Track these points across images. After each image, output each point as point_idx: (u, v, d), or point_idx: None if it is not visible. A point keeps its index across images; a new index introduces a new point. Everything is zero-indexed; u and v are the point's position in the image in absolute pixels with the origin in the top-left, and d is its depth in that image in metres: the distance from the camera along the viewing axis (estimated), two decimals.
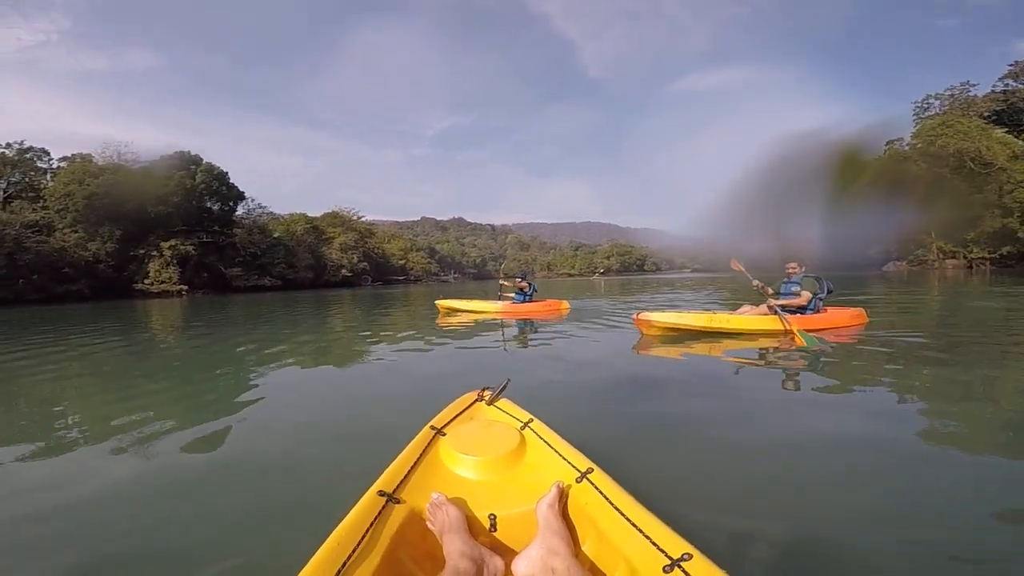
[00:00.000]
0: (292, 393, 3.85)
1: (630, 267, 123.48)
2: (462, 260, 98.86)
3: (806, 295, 5.56)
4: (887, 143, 50.24)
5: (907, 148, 47.32)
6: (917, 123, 46.90)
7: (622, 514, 1.14)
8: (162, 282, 38.66)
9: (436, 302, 10.50)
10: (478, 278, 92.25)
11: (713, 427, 2.55)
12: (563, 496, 1.29)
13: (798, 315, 5.46)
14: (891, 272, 37.42)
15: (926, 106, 47.84)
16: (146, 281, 38.49)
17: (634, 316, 5.69)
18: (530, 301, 9.56)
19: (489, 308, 9.28)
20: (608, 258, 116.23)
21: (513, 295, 9.80)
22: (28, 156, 39.05)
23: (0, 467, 2.33)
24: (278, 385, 4.10)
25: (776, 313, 5.24)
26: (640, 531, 1.06)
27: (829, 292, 5.75)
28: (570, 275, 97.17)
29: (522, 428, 1.66)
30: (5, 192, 35.83)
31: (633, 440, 2.39)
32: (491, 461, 1.48)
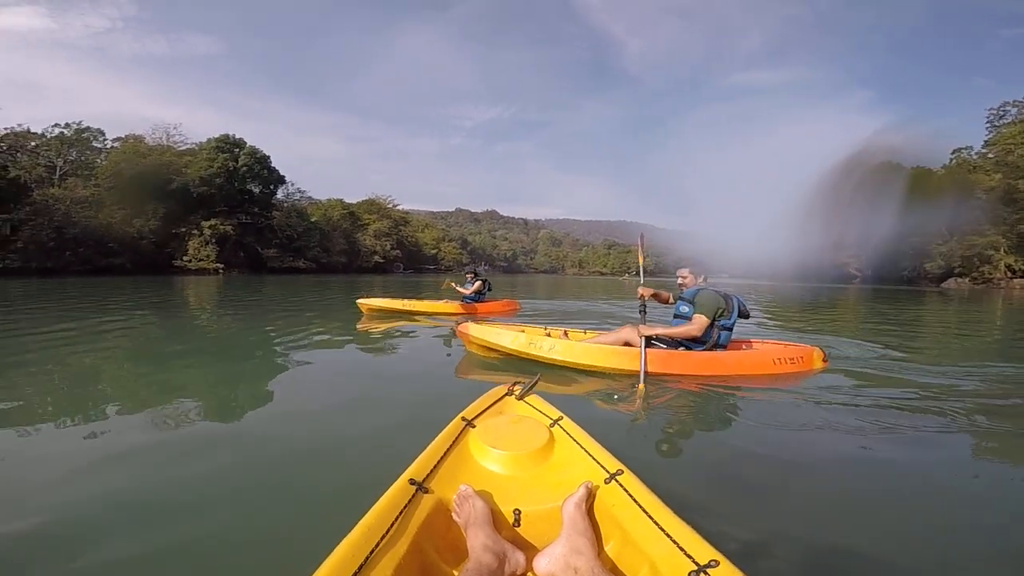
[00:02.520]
0: (321, 374, 3.85)
1: (665, 269, 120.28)
2: (493, 252, 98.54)
3: (699, 320, 3.53)
4: (953, 151, 46.85)
5: (976, 157, 44.00)
6: (991, 131, 43.56)
7: (650, 517, 1.11)
8: (200, 260, 39.76)
9: (358, 302, 8.03)
10: (508, 271, 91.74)
11: (741, 435, 2.45)
12: (590, 496, 1.27)
13: (685, 351, 3.60)
14: (951, 289, 34.56)
15: (1002, 113, 44.14)
16: (185, 258, 39.65)
17: (456, 327, 4.35)
18: (481, 302, 8.58)
19: (441, 308, 7.93)
20: (645, 258, 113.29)
21: (464, 295, 8.55)
22: (85, 136, 40.79)
23: (34, 438, 2.34)
24: (307, 367, 4.07)
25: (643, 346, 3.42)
26: (667, 535, 1.05)
27: (743, 316, 3.78)
28: (602, 273, 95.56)
29: (551, 425, 1.64)
30: (61, 170, 37.49)
31: (662, 446, 2.30)
32: (519, 456, 1.48)
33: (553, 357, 3.72)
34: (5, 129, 35.25)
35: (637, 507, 1.16)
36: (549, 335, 4.29)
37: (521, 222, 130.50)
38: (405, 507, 1.17)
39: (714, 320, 3.56)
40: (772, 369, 3.66)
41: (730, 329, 3.67)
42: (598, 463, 1.39)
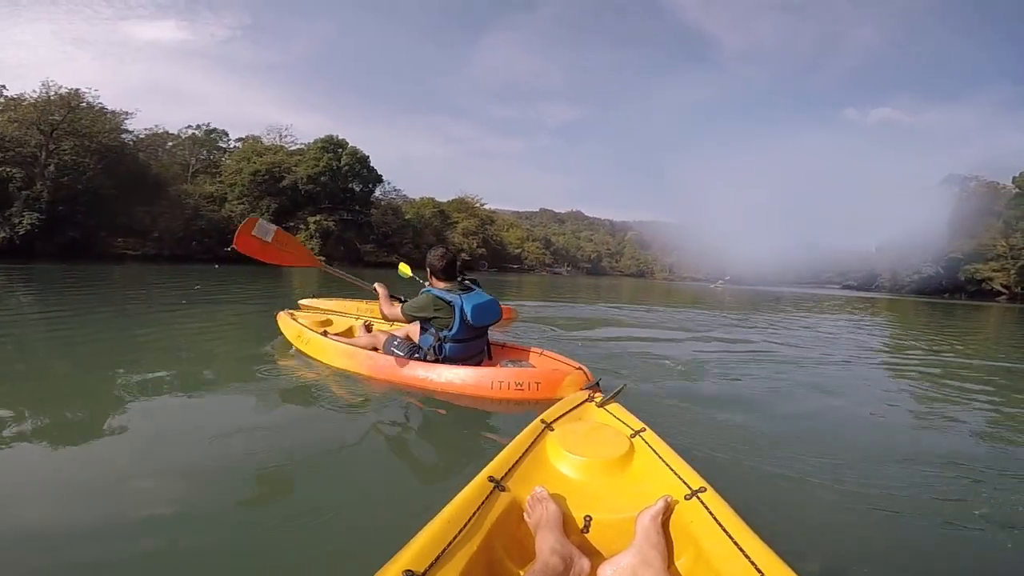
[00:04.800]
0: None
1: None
2: (577, 254, 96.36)
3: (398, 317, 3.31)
4: None
5: None
6: None
7: (731, 537, 1.08)
8: None
9: (300, 302, 6.23)
10: (592, 273, 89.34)
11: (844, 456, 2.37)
12: (667, 510, 1.25)
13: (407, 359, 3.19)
14: None
15: None
16: None
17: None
18: None
19: None
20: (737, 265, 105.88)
21: None
22: (212, 136, 45.13)
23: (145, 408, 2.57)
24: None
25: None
26: (747, 557, 1.01)
27: (479, 325, 3.18)
28: (694, 279, 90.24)
29: (633, 436, 1.62)
30: (192, 167, 41.63)
31: (749, 462, 2.22)
32: (596, 463, 1.48)
33: (303, 350, 3.69)
34: (146, 130, 39.65)
35: (717, 526, 1.13)
36: (325, 331, 3.93)
37: (607, 223, 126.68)
38: (482, 503, 1.19)
39: (426, 324, 3.14)
40: (493, 393, 2.91)
41: (459, 342, 3.10)
42: (680, 478, 1.35)
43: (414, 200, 62.81)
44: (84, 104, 29.82)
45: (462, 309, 3.03)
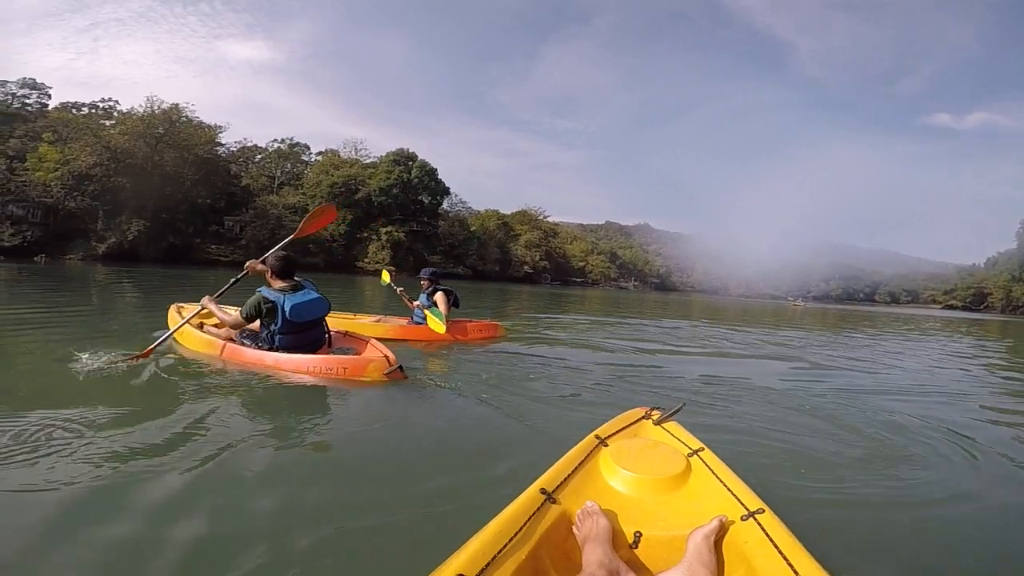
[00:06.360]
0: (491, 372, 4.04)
1: (855, 295, 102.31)
2: (645, 268, 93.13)
3: (234, 316, 3.66)
4: None
5: None
6: None
7: (787, 561, 1.06)
8: (377, 262, 43.69)
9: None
10: (661, 288, 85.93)
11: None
12: (721, 530, 1.23)
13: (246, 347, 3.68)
14: None
15: None
16: (365, 260, 43.99)
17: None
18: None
19: (369, 329, 5.21)
20: (827, 282, 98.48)
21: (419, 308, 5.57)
22: (296, 150, 48.06)
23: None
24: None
25: None
26: None
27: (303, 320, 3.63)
28: (773, 297, 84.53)
29: (690, 455, 1.60)
30: (278, 179, 44.41)
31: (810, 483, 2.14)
32: (650, 480, 1.47)
33: (177, 338, 4.01)
34: (237, 143, 42.80)
35: (773, 548, 1.11)
36: (202, 324, 4.25)
37: (677, 236, 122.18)
38: (533, 515, 1.21)
39: (258, 319, 3.59)
40: (312, 376, 3.39)
41: (286, 334, 3.59)
42: (737, 498, 1.33)
43: (479, 212, 63.58)
44: (183, 118, 32.61)
45: (283, 307, 3.51)
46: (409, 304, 5.80)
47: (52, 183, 27.47)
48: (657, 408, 1.92)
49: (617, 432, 1.75)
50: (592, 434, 1.70)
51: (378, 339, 4.33)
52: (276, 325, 3.56)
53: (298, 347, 3.62)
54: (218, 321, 4.06)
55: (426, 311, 5.34)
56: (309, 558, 1.42)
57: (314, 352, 3.67)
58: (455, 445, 2.51)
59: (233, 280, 4.07)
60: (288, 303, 3.53)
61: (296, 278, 3.73)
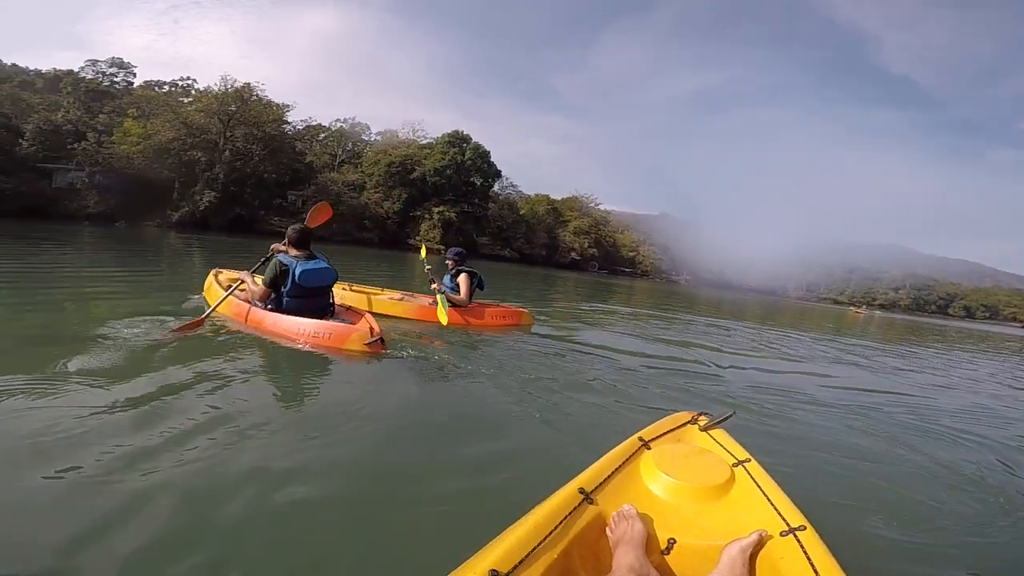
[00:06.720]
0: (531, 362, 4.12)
1: (926, 307, 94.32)
2: (697, 263, 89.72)
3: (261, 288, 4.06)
4: None
5: None
6: None
7: None
8: (427, 240, 44.60)
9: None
10: (714, 285, 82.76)
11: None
12: (759, 544, 1.20)
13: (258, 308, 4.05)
14: None
15: None
16: (416, 238, 44.97)
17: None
18: (458, 307, 5.46)
19: (389, 308, 5.36)
20: (896, 290, 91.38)
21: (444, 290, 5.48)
22: (356, 129, 49.52)
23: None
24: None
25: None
26: None
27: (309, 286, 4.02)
28: (837, 302, 79.60)
29: (735, 465, 1.55)
30: (339, 158, 46.00)
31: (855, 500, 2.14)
32: (691, 488, 1.44)
33: (207, 299, 4.76)
34: (302, 121, 44.52)
35: (809, 567, 1.08)
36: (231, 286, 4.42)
37: (731, 234, 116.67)
38: (569, 514, 1.21)
39: (274, 286, 3.94)
40: (299, 339, 3.73)
41: (295, 297, 3.93)
42: (779, 513, 1.30)
43: (529, 196, 63.25)
44: (254, 97, 34.25)
45: (294, 271, 3.88)
46: (433, 284, 5.61)
47: (135, 156, 29.71)
48: (704, 413, 1.85)
49: (661, 435, 1.72)
50: (635, 435, 1.67)
51: (398, 317, 5.31)
52: (286, 287, 3.91)
53: (303, 311, 3.91)
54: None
55: (438, 296, 5.22)
56: (338, 543, 1.53)
57: (321, 319, 3.95)
58: (442, 425, 2.66)
59: (263, 259, 4.47)
60: (300, 267, 3.91)
61: (311, 250, 4.11)
